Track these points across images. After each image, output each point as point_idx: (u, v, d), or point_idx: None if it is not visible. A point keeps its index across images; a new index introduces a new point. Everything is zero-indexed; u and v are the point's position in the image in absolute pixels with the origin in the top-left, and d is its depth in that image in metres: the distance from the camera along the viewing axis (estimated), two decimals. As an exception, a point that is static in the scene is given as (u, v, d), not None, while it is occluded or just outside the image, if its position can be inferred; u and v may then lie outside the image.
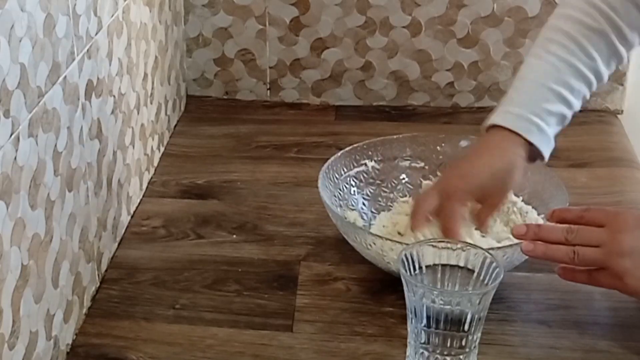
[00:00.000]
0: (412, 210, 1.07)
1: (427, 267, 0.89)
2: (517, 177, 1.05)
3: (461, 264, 0.89)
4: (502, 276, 0.86)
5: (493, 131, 1.07)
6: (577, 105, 1.08)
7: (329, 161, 1.16)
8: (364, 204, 1.18)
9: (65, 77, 0.93)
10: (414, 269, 0.88)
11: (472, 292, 0.88)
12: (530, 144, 1.05)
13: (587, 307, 1.04)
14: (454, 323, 0.85)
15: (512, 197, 1.16)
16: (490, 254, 0.88)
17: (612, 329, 1.01)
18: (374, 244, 1.03)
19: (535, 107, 1.05)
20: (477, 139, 1.11)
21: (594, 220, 0.94)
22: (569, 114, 1.08)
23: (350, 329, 1.01)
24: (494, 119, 1.07)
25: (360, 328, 1.01)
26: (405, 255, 0.88)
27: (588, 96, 1.09)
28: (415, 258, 0.88)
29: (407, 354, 0.90)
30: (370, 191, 1.19)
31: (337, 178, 1.16)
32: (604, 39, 1.06)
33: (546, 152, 1.07)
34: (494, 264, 0.87)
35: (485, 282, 0.88)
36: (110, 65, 1.09)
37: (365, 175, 1.20)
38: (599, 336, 1.00)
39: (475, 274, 0.88)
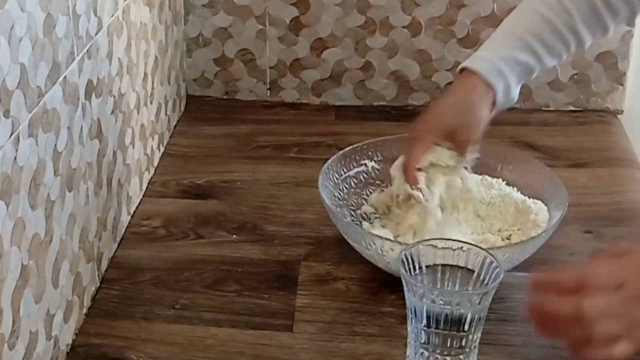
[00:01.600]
0: (403, 168, 1.10)
1: (427, 267, 0.89)
2: (478, 110, 1.08)
3: (461, 264, 0.89)
4: (502, 276, 0.86)
5: (461, 74, 1.10)
6: (549, 61, 1.09)
7: (329, 161, 1.16)
8: (363, 204, 1.18)
9: (65, 77, 0.93)
10: (414, 269, 0.88)
11: (472, 292, 0.88)
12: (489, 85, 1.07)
13: (587, 307, 1.04)
14: (454, 323, 0.85)
15: (505, 188, 1.17)
16: (490, 254, 0.88)
17: (612, 329, 1.01)
18: (374, 244, 1.03)
19: (503, 52, 1.08)
20: None
21: (600, 290, 0.78)
22: (536, 67, 1.09)
23: (350, 329, 1.01)
24: (464, 62, 1.10)
25: (360, 328, 1.02)
26: (405, 255, 0.88)
27: (565, 56, 1.10)
28: (415, 258, 0.88)
29: (407, 354, 0.90)
30: (370, 191, 1.19)
31: (337, 178, 1.17)
32: None
33: (500, 96, 1.08)
34: (494, 264, 0.87)
35: (485, 282, 0.88)
36: (110, 65, 1.09)
37: (365, 175, 1.20)
38: (599, 336, 1.00)
39: (475, 274, 0.88)
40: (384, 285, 1.07)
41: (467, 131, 1.09)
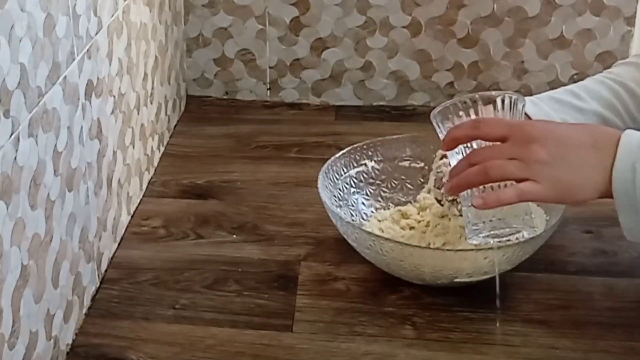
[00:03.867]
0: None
1: None
2: None
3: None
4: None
5: None
6: (592, 104, 1.08)
7: (329, 161, 1.16)
8: (363, 204, 1.18)
9: (65, 77, 0.93)
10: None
11: None
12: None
13: (587, 307, 1.04)
14: None
15: None
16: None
17: (612, 329, 1.01)
18: (374, 244, 1.03)
19: (542, 95, 1.09)
20: None
21: (492, 133, 0.92)
22: (581, 106, 1.08)
23: (350, 329, 1.01)
24: None
25: (360, 328, 1.01)
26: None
27: (607, 96, 1.09)
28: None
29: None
30: (370, 191, 1.19)
31: (337, 178, 1.17)
32: None
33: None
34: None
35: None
36: (110, 65, 1.09)
37: (365, 175, 1.20)
38: (599, 336, 1.00)
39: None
40: (384, 285, 1.07)
41: None
